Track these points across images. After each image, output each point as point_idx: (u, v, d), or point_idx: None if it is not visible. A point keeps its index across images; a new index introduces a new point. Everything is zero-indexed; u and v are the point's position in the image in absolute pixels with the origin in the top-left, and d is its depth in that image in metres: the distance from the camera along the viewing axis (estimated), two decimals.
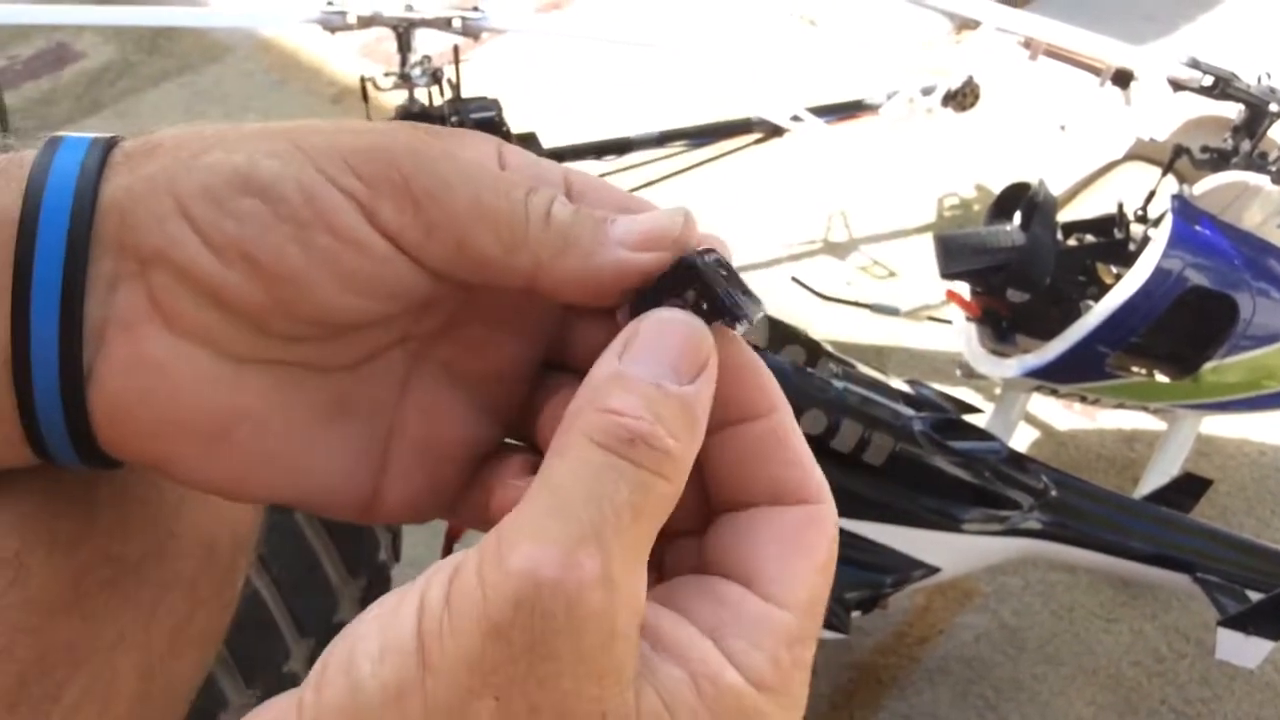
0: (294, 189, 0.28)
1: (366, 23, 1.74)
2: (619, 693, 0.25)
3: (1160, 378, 1.75)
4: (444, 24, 1.76)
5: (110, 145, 0.30)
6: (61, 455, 0.30)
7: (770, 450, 0.30)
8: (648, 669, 0.26)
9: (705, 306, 0.29)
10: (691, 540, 0.31)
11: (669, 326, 0.28)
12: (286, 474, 0.32)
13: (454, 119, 1.76)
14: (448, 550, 1.16)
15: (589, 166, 1.90)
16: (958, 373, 1.90)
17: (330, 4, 1.74)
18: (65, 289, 0.28)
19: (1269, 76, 1.72)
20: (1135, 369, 1.75)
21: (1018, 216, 1.71)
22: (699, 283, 0.29)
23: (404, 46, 1.79)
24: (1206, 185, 1.67)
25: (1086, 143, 1.90)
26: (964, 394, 1.76)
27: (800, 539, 0.29)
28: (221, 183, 0.28)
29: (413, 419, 0.33)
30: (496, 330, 0.33)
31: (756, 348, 0.33)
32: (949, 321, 1.95)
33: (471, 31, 1.77)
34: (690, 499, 0.30)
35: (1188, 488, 1.58)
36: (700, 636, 0.27)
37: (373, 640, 0.25)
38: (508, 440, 0.35)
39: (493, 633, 0.24)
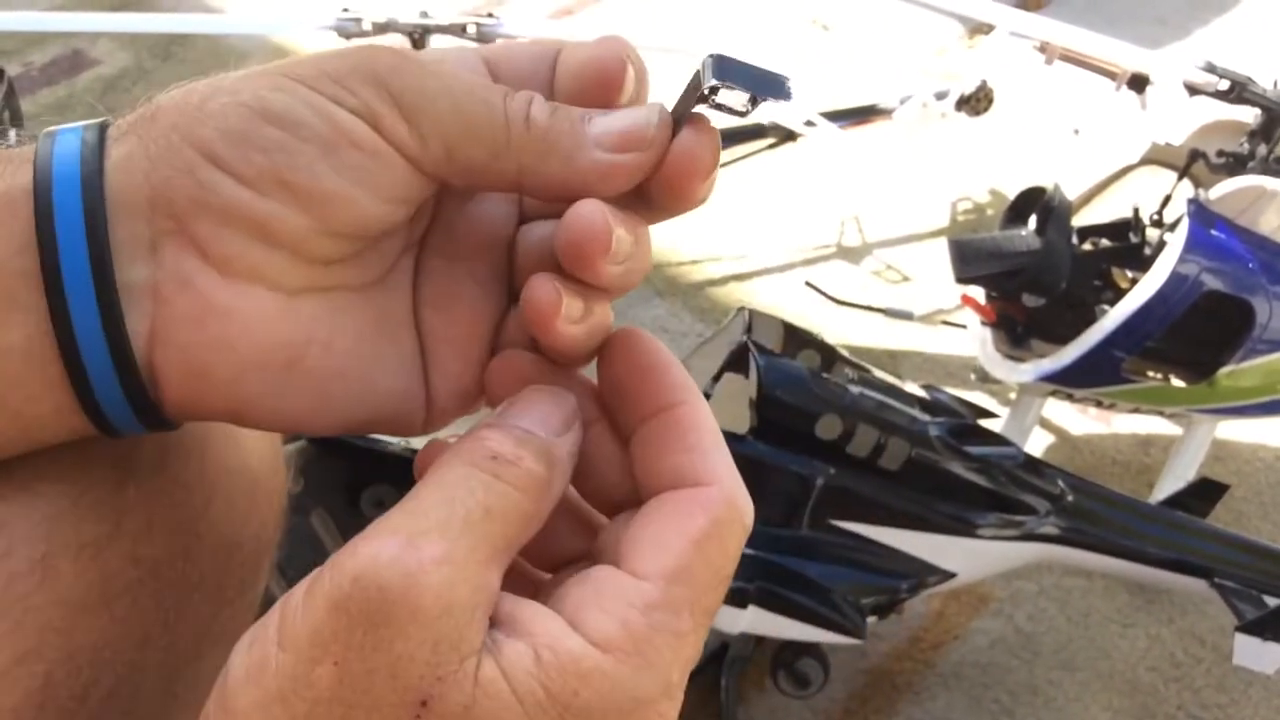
0: (309, 113, 0.30)
1: (381, 29, 1.74)
2: (456, 660, 0.26)
3: (1176, 382, 1.75)
4: (459, 30, 1.76)
5: (105, 124, 0.31)
6: (122, 423, 0.32)
7: (672, 439, 0.32)
8: (493, 645, 0.27)
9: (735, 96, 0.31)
10: None
11: (537, 394, 0.32)
12: (353, 397, 0.33)
13: None
14: None
15: None
16: (972, 377, 1.89)
17: (345, 11, 1.74)
18: (94, 257, 0.29)
19: None
20: (1151, 374, 1.74)
21: (1033, 221, 1.70)
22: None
23: None
24: (1223, 189, 1.66)
25: (1102, 147, 1.90)
26: (979, 399, 1.76)
27: (673, 513, 0.30)
28: (238, 122, 0.30)
29: (430, 314, 0.35)
30: (474, 206, 0.36)
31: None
32: (963, 326, 1.95)
33: (486, 38, 1.78)
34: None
35: (1204, 492, 1.57)
36: (551, 615, 0.28)
37: (246, 639, 0.28)
38: None
39: (332, 607, 0.26)
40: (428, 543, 0.26)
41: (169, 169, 0.30)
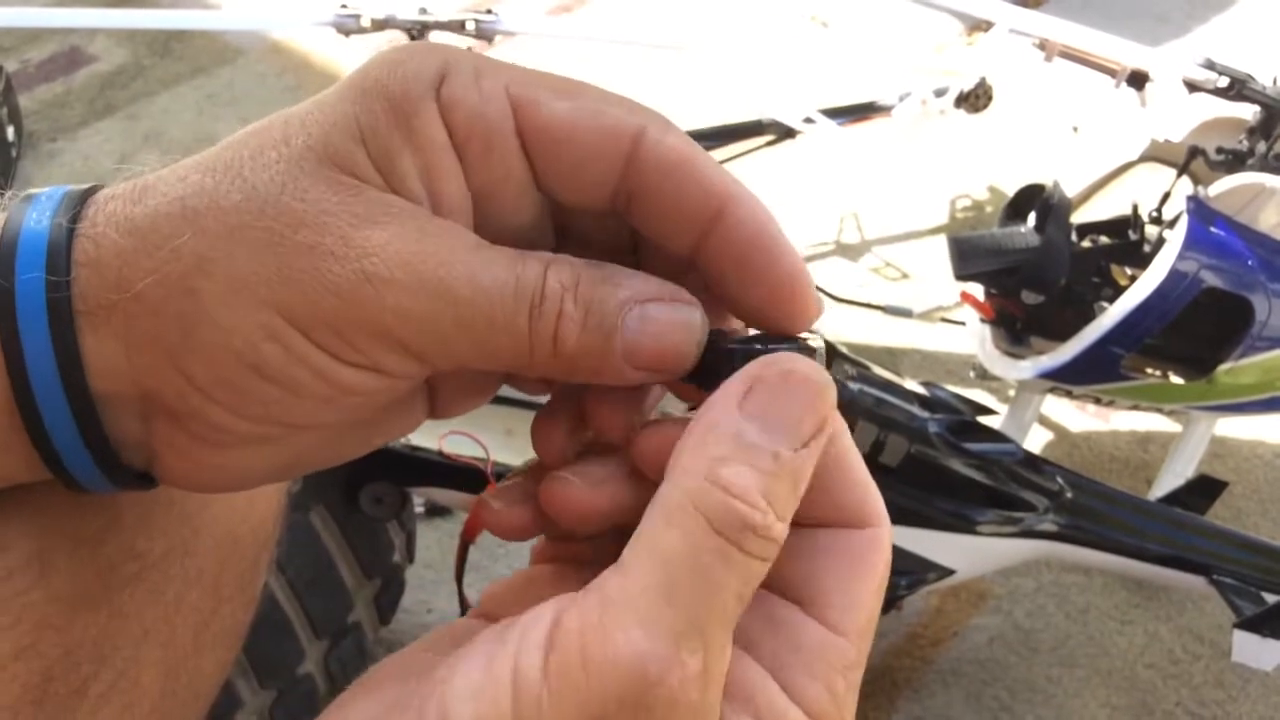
0: (307, 375, 0.27)
1: (380, 26, 1.74)
2: None
3: (1175, 379, 1.75)
4: (457, 27, 1.76)
5: (68, 233, 0.28)
6: (100, 491, 0.31)
7: (829, 474, 0.29)
8: None
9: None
10: None
11: (795, 379, 0.28)
12: (350, 451, 0.32)
13: None
14: (462, 553, 1.15)
15: None
16: (971, 374, 1.89)
17: (344, 7, 1.74)
18: (79, 421, 0.28)
19: None
20: (1150, 371, 1.74)
21: (1032, 218, 1.70)
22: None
23: None
24: (1222, 186, 1.66)
25: (1101, 144, 1.90)
26: (978, 395, 1.76)
27: (862, 563, 0.29)
28: (230, 373, 0.27)
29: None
30: None
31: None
32: (963, 323, 1.95)
33: (485, 34, 1.77)
34: None
35: (1203, 489, 1.58)
36: (764, 675, 0.27)
37: (467, 706, 0.25)
38: None
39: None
40: (690, 655, 0.25)
41: (158, 384, 0.28)
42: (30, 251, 0.27)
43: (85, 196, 0.29)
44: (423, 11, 1.76)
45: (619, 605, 0.25)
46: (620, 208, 0.30)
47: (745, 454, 0.26)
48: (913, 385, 1.43)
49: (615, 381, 0.29)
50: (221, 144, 0.29)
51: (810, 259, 2.33)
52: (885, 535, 0.30)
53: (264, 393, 0.27)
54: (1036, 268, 1.66)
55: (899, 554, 1.34)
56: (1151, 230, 1.71)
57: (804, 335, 0.30)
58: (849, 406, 1.26)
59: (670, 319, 0.28)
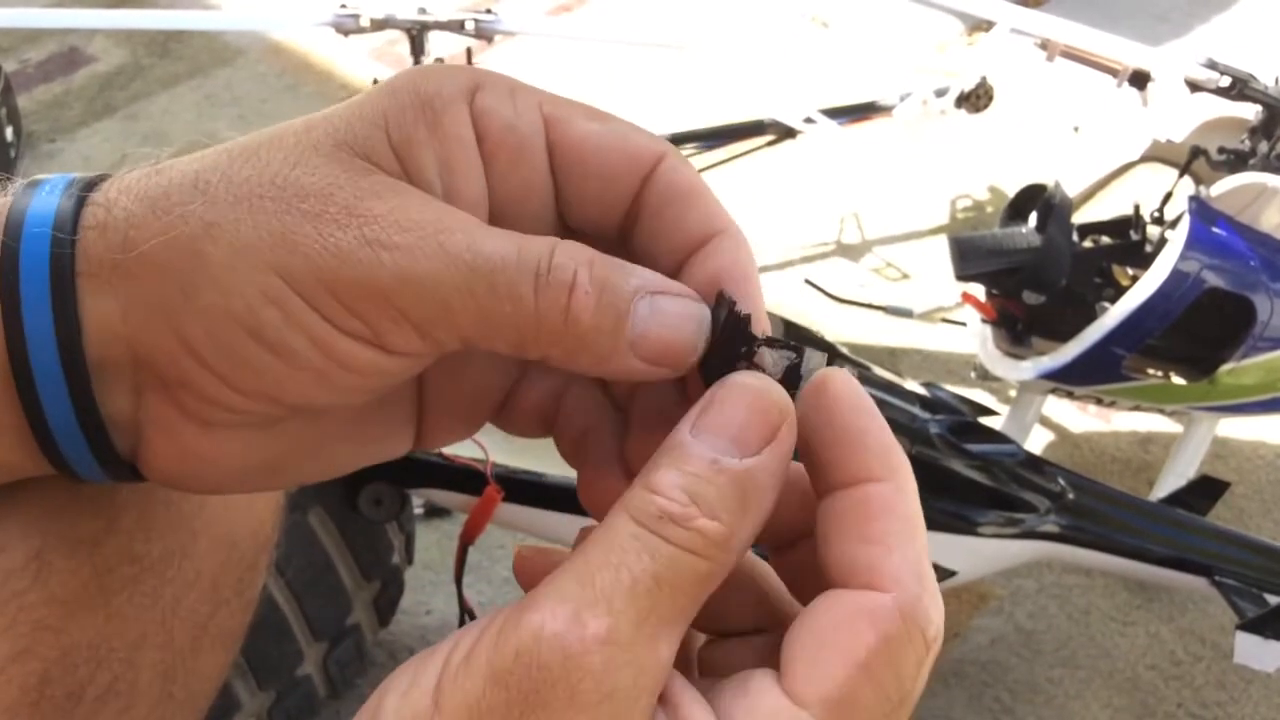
0: (304, 344, 0.27)
1: (379, 26, 1.74)
2: None
3: (1177, 380, 1.74)
4: (457, 26, 1.76)
5: (79, 200, 0.28)
6: (92, 478, 0.31)
7: (852, 523, 0.28)
8: None
9: (786, 365, 0.29)
10: None
11: (738, 393, 0.28)
12: (335, 464, 0.33)
13: None
14: (462, 555, 1.15)
15: None
16: (973, 375, 1.89)
17: (343, 7, 1.74)
18: (72, 389, 0.28)
19: None
20: (1151, 371, 1.74)
21: (1033, 218, 1.70)
22: (769, 340, 0.29)
23: (417, 49, 1.79)
24: (1224, 186, 1.66)
25: (1102, 144, 1.89)
26: (979, 396, 1.76)
27: (840, 629, 0.27)
28: (227, 336, 0.27)
29: (436, 378, 0.33)
30: None
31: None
32: (963, 323, 1.94)
33: (484, 34, 1.77)
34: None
35: (1204, 490, 1.57)
36: None
37: (403, 682, 0.26)
38: None
39: (493, 678, 0.25)
40: (592, 618, 0.25)
41: (153, 346, 0.28)
42: (39, 214, 0.28)
43: (98, 180, 0.29)
44: (422, 11, 1.76)
45: (538, 596, 0.26)
46: (626, 230, 0.31)
47: (678, 460, 0.27)
48: (913, 386, 1.43)
49: (617, 371, 0.29)
50: (247, 135, 0.30)
51: (811, 259, 2.33)
52: (887, 604, 0.27)
53: (259, 361, 0.28)
54: (1038, 268, 1.66)
55: None
56: (1153, 230, 1.71)
57: (798, 345, 0.29)
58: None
59: (681, 311, 0.29)
